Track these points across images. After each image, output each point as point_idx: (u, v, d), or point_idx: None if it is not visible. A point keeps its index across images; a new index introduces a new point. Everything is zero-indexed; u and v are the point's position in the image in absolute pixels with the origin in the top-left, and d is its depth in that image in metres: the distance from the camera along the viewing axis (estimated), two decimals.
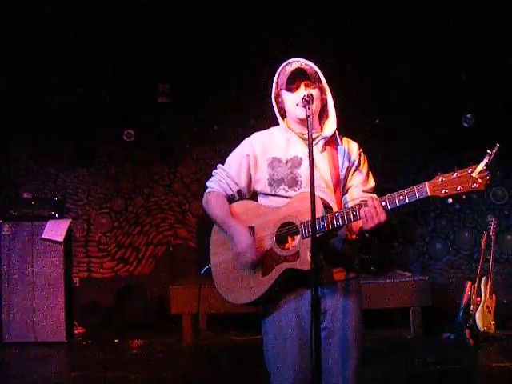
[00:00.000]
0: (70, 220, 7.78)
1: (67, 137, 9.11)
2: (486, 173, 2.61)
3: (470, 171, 2.63)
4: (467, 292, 6.84)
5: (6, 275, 7.32)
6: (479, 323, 6.70)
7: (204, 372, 6.24)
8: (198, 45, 7.91)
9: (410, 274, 7.78)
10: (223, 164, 3.27)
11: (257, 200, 3.22)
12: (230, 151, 3.28)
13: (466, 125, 8.73)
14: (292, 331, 3.01)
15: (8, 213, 7.54)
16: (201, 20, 7.49)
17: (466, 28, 7.49)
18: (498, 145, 2.58)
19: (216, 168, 3.30)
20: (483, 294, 6.81)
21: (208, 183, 3.28)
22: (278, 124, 3.21)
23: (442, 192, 2.66)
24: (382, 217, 2.79)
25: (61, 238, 7.34)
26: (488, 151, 2.59)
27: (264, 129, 3.27)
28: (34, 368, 6.44)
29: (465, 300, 6.84)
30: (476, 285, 6.83)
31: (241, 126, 8.52)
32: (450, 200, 2.69)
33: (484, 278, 6.86)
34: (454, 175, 2.65)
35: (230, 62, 8.22)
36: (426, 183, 2.69)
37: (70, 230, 7.61)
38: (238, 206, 3.18)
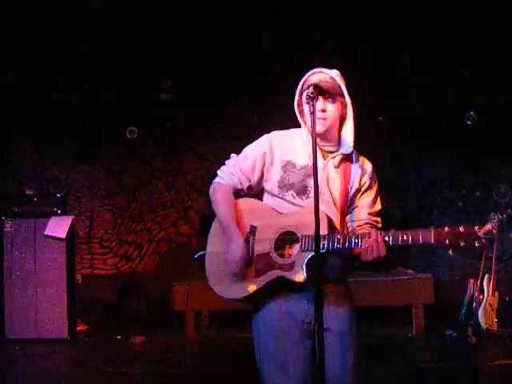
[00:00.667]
0: (73, 217, 7.78)
1: (70, 134, 9.11)
2: (491, 235, 2.69)
3: (476, 229, 2.69)
4: (470, 290, 6.85)
5: (9, 272, 7.31)
6: (482, 321, 6.71)
7: (206, 369, 6.24)
8: (202, 41, 7.90)
9: (412, 272, 7.78)
10: (238, 155, 3.21)
11: (262, 197, 3.18)
12: (234, 148, 3.23)
13: (469, 122, 8.71)
14: (278, 331, 3.01)
15: (11, 209, 7.54)
16: (204, 15, 7.47)
17: (471, 23, 7.46)
18: (510, 210, 2.66)
19: (230, 157, 3.24)
20: (486, 292, 6.81)
21: (219, 172, 3.22)
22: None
23: (446, 242, 2.73)
24: (382, 252, 2.81)
25: (63, 235, 7.34)
26: (492, 215, 2.68)
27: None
28: (36, 365, 6.47)
29: (467, 298, 6.85)
30: (479, 282, 6.84)
31: (244, 123, 8.53)
32: (451, 252, 2.80)
33: (487, 276, 6.86)
34: (461, 229, 2.71)
35: (233, 59, 8.21)
36: (432, 231, 2.76)
37: (72, 227, 7.60)
38: (243, 203, 3.15)
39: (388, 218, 2.87)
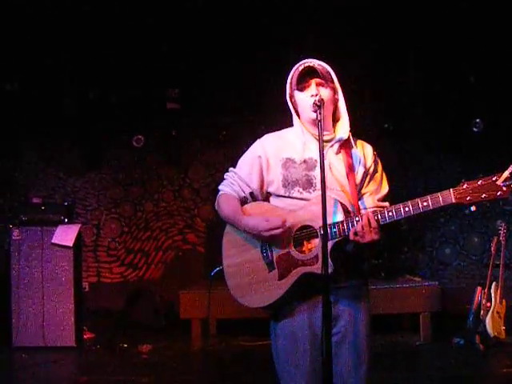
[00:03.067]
0: (80, 225, 7.79)
1: (77, 142, 9.15)
2: (511, 181, 2.63)
3: (494, 179, 2.65)
4: (477, 297, 6.82)
5: (16, 280, 7.32)
6: (489, 329, 6.68)
7: (213, 377, 6.24)
8: (208, 50, 7.93)
9: (419, 280, 7.76)
10: (235, 167, 3.25)
11: (269, 201, 3.18)
12: (240, 156, 3.26)
13: (475, 129, 8.70)
14: (304, 337, 2.99)
15: (18, 218, 7.55)
16: (210, 25, 7.50)
17: (476, 31, 7.47)
18: None
19: (228, 171, 3.26)
20: (493, 300, 6.78)
21: (220, 186, 3.25)
22: (289, 126, 3.19)
23: (467, 199, 2.68)
24: (374, 234, 2.82)
25: (70, 243, 7.35)
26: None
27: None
28: (43, 373, 6.46)
29: (475, 305, 6.82)
30: (486, 290, 6.81)
31: (250, 131, 8.52)
32: (473, 208, 2.72)
33: (494, 284, 6.84)
34: (479, 182, 2.67)
35: (239, 68, 8.24)
36: (451, 190, 2.72)
37: (79, 235, 7.61)
38: (252, 207, 3.14)
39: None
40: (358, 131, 3.22)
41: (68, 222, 7.61)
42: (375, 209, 2.99)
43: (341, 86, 3.12)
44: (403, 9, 7.26)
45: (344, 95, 3.13)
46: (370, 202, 3.10)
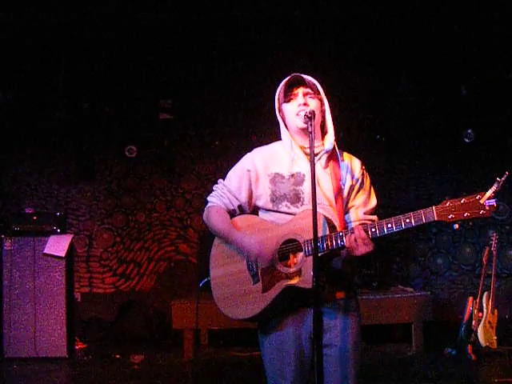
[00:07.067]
0: (72, 235, 7.79)
1: (69, 152, 9.15)
2: (494, 200, 2.62)
3: (478, 197, 2.63)
4: (469, 307, 6.84)
5: (8, 290, 7.31)
6: (481, 339, 6.70)
7: None
8: (200, 61, 7.95)
9: (411, 290, 7.78)
10: (224, 179, 3.26)
11: (257, 214, 3.20)
12: (232, 167, 3.27)
13: (467, 140, 8.75)
14: (291, 349, 3.00)
15: (10, 228, 7.55)
16: (202, 36, 7.52)
17: (467, 43, 7.52)
18: (507, 173, 2.59)
19: (217, 183, 3.28)
20: (485, 310, 6.81)
21: (209, 198, 3.26)
22: (279, 139, 3.21)
23: (449, 217, 2.66)
24: (369, 247, 2.81)
25: (63, 254, 7.35)
26: (497, 179, 2.59)
27: (266, 144, 3.27)
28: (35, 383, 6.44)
29: (466, 315, 6.84)
30: (478, 300, 6.83)
31: (243, 141, 8.57)
32: (456, 226, 2.72)
33: (486, 294, 6.86)
34: (462, 201, 2.65)
35: (231, 78, 8.27)
36: (433, 207, 2.70)
37: (71, 246, 7.62)
38: (240, 219, 3.16)
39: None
40: (349, 143, 3.24)
41: (60, 233, 7.61)
42: (364, 222, 3.01)
43: (327, 98, 3.14)
44: (395, 21, 7.29)
45: (330, 108, 3.15)
46: (357, 214, 3.10)
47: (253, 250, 2.98)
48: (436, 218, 2.68)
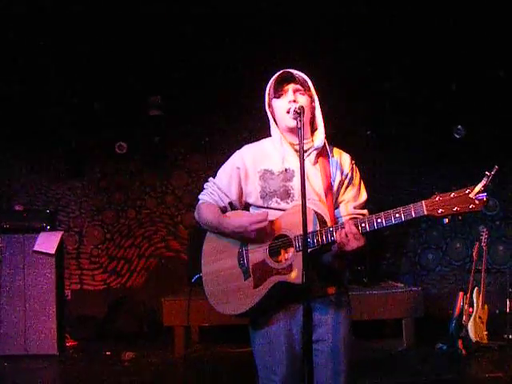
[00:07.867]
0: (62, 232, 7.76)
1: (59, 149, 9.11)
2: (484, 194, 2.61)
3: (467, 192, 2.62)
4: (459, 302, 6.85)
5: None
6: (472, 334, 6.72)
7: None
8: (190, 57, 7.93)
9: (402, 285, 7.78)
10: (214, 177, 3.26)
11: (248, 211, 3.19)
12: (223, 163, 3.27)
13: (457, 136, 8.76)
14: (281, 345, 3.00)
15: (0, 225, 7.51)
16: (192, 32, 7.51)
17: (458, 40, 7.53)
18: (496, 167, 2.57)
19: (207, 181, 3.28)
20: (475, 305, 6.82)
21: (200, 196, 3.27)
22: (270, 136, 3.20)
23: (439, 212, 2.65)
24: (360, 241, 2.81)
25: (52, 251, 7.32)
26: (486, 173, 2.57)
27: (256, 141, 3.26)
28: (25, 381, 6.42)
29: (457, 311, 6.85)
30: (468, 295, 6.84)
31: (233, 137, 8.56)
32: (446, 220, 2.69)
33: (476, 289, 6.87)
34: (452, 195, 2.64)
35: (221, 74, 8.26)
36: (423, 202, 2.68)
37: (61, 243, 7.58)
38: (232, 215, 3.15)
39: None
40: (340, 138, 3.23)
41: (50, 230, 7.58)
42: (355, 216, 3.01)
43: (317, 95, 3.13)
44: (388, 17, 7.29)
45: (320, 105, 3.14)
46: (347, 209, 3.10)
47: (243, 223, 2.97)
48: (426, 213, 2.67)
